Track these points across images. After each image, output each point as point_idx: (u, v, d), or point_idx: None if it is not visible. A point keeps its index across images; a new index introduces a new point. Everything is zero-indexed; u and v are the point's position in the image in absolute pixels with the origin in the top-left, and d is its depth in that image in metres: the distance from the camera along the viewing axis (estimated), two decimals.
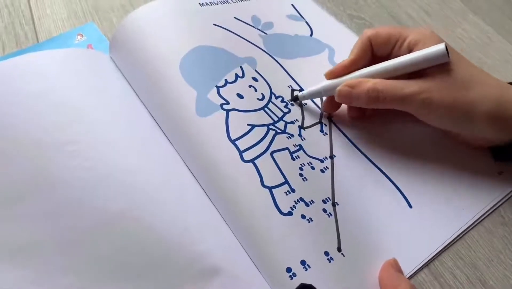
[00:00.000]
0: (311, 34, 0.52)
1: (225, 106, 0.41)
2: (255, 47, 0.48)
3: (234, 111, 0.41)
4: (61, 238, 0.35)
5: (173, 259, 0.34)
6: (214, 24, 0.48)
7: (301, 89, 0.46)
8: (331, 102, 0.42)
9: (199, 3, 0.51)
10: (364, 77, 0.39)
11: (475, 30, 0.53)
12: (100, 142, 0.39)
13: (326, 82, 0.41)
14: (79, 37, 0.50)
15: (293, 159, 0.39)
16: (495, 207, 0.39)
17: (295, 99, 0.44)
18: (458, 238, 0.37)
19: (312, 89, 0.43)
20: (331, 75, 0.41)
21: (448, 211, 0.38)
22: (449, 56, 0.35)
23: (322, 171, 0.40)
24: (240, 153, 0.38)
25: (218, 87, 0.42)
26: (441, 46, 0.35)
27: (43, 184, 0.37)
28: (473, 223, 0.38)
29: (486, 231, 0.38)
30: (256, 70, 0.45)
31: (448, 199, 0.39)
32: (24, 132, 0.39)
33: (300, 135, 0.42)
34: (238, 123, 0.40)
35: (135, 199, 0.36)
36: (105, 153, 0.38)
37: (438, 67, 0.36)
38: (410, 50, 0.38)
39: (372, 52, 0.40)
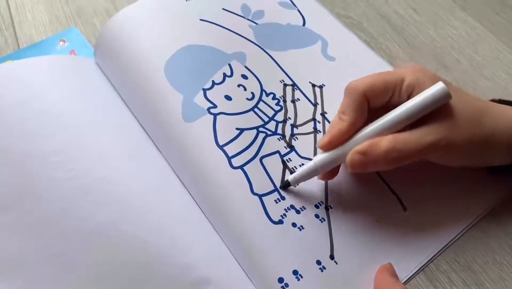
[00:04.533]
0: (304, 24, 0.50)
1: (212, 110, 0.40)
2: (245, 40, 0.47)
3: (222, 115, 0.40)
4: (47, 249, 0.34)
5: (161, 270, 0.33)
6: (200, 20, 0.47)
7: (294, 84, 0.44)
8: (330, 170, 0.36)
9: None
10: (369, 138, 0.33)
11: (464, 26, 0.52)
12: (85, 152, 0.38)
13: (322, 158, 0.35)
14: (61, 43, 0.49)
15: (283, 162, 0.39)
16: (490, 208, 0.38)
17: (286, 186, 0.37)
18: (453, 240, 0.36)
19: (305, 169, 0.36)
20: (329, 146, 0.34)
21: (443, 214, 0.37)
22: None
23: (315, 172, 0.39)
24: (229, 158, 0.37)
25: (204, 90, 0.41)
26: (440, 86, 0.32)
27: (27, 194, 0.36)
28: (468, 224, 0.37)
29: (481, 232, 0.37)
30: (245, 66, 0.44)
31: (443, 201, 0.38)
32: (8, 142, 0.38)
33: (292, 134, 0.41)
34: (226, 128, 0.39)
35: (121, 209, 0.35)
36: (90, 162, 0.38)
37: (442, 107, 0.33)
38: (408, 96, 0.34)
39: (368, 107, 0.35)
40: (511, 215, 0.38)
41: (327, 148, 0.35)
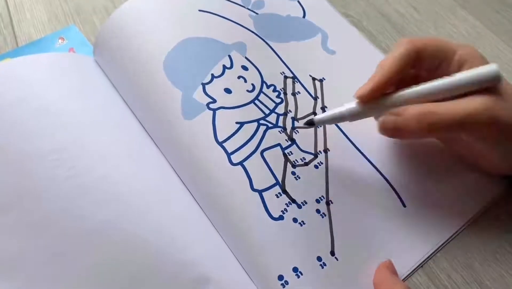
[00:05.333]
0: (304, 16, 0.50)
1: (211, 105, 0.40)
2: (245, 29, 0.46)
3: (221, 110, 0.39)
4: (47, 249, 0.34)
5: (161, 269, 0.33)
6: (199, 10, 0.46)
7: (294, 77, 0.44)
8: None
9: None
10: (408, 98, 0.32)
11: (465, 25, 0.52)
12: (85, 150, 0.38)
13: (353, 106, 0.34)
14: (60, 40, 0.48)
15: (285, 155, 0.38)
16: (488, 206, 0.38)
17: (310, 123, 0.37)
18: (452, 237, 0.36)
19: (335, 112, 0.35)
20: (371, 94, 0.33)
21: (443, 211, 0.37)
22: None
23: (316, 167, 0.38)
24: (228, 155, 0.37)
25: (204, 85, 0.41)
26: (494, 66, 0.31)
27: (27, 194, 0.36)
28: (467, 222, 0.37)
29: (480, 230, 0.37)
30: (246, 57, 0.44)
31: (442, 198, 0.38)
32: (6, 141, 0.38)
33: (293, 127, 0.40)
34: (226, 123, 0.39)
35: (121, 208, 0.35)
36: (89, 161, 0.37)
37: (490, 87, 0.32)
38: (459, 68, 0.33)
39: (417, 66, 0.34)
40: (510, 213, 0.38)
41: (368, 96, 0.33)
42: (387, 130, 0.33)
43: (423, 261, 0.35)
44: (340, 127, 0.41)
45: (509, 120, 0.31)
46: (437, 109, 0.31)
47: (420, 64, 0.34)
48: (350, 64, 0.46)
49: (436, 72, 0.34)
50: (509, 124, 0.31)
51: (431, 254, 0.36)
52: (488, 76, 0.31)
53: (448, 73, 0.33)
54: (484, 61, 0.33)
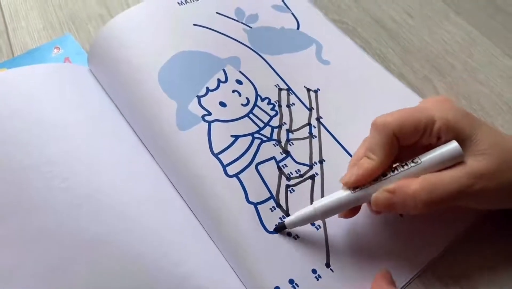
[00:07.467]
0: (298, 27, 0.50)
1: (207, 118, 0.40)
2: (239, 44, 0.47)
3: (216, 122, 0.39)
4: (41, 261, 0.34)
5: (158, 281, 0.33)
6: (194, 24, 0.47)
7: (289, 89, 0.44)
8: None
9: (178, 2, 0.49)
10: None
11: (458, 31, 0.52)
12: (79, 162, 0.38)
13: (324, 204, 0.33)
14: (56, 50, 0.48)
15: (279, 168, 0.38)
16: (486, 214, 0.38)
17: (280, 229, 0.35)
18: (450, 246, 0.36)
19: (306, 212, 0.34)
20: (355, 185, 0.33)
21: (440, 220, 0.37)
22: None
23: (311, 178, 0.39)
24: (224, 167, 0.37)
25: (199, 97, 0.41)
26: (453, 145, 0.32)
27: (20, 206, 0.36)
28: (463, 230, 0.37)
29: (477, 239, 0.37)
30: (240, 71, 0.44)
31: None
32: (2, 152, 0.38)
33: (288, 140, 0.40)
34: (221, 135, 0.39)
35: (116, 219, 0.35)
36: (84, 172, 0.37)
37: (474, 149, 0.32)
38: (438, 139, 0.33)
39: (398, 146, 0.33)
40: (505, 222, 0.38)
41: (352, 186, 0.33)
42: (380, 206, 0.32)
43: (420, 270, 0.35)
44: (336, 137, 0.41)
45: (497, 186, 0.32)
46: (430, 188, 0.31)
47: (402, 142, 0.33)
48: (344, 74, 0.46)
49: (418, 143, 0.34)
50: (497, 189, 0.32)
51: (428, 264, 0.35)
52: (451, 158, 0.32)
53: (428, 143, 0.33)
54: (467, 118, 0.33)
